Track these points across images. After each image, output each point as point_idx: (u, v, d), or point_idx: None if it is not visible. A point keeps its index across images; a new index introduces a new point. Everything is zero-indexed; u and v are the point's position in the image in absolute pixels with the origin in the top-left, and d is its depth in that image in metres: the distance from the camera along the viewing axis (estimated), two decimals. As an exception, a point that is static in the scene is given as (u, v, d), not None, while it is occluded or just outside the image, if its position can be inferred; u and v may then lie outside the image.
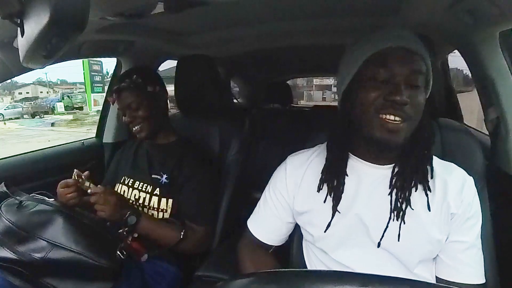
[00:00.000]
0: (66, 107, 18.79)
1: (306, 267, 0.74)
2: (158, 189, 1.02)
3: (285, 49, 1.66)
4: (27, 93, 37.60)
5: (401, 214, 0.61)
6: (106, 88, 3.14)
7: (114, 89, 1.04)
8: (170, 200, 1.02)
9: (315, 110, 2.38)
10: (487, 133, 0.98)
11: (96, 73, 14.76)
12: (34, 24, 0.42)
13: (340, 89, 0.66)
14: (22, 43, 0.49)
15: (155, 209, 1.02)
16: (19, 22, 0.47)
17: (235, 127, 1.27)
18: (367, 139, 0.62)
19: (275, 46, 1.58)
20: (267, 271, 0.48)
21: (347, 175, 0.66)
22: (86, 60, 11.60)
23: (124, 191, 1.06)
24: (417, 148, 0.62)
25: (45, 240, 0.77)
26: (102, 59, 13.89)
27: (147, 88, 1.03)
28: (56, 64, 0.97)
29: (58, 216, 0.81)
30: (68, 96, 20.69)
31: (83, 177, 0.88)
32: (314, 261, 0.72)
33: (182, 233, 0.95)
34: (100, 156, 1.52)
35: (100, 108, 1.96)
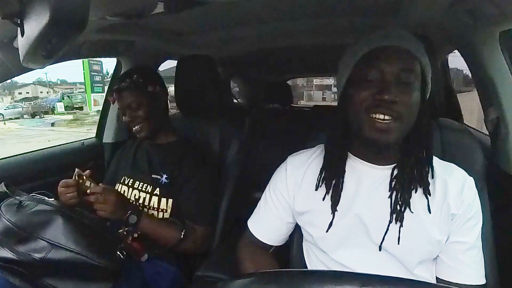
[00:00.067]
0: (66, 107, 18.80)
1: (306, 267, 0.74)
2: (158, 189, 1.02)
3: (285, 49, 1.66)
4: (27, 93, 37.62)
5: (400, 217, 0.60)
6: (106, 88, 3.14)
7: (114, 88, 1.04)
8: (170, 200, 1.02)
9: (315, 110, 2.39)
10: (487, 133, 0.98)
11: (96, 73, 14.76)
12: (34, 24, 0.42)
13: (338, 89, 0.67)
14: (22, 43, 0.49)
15: (155, 209, 1.02)
16: (19, 22, 0.47)
17: (235, 127, 1.27)
18: (362, 139, 0.62)
19: (275, 46, 1.58)
20: (267, 271, 0.48)
21: (346, 175, 0.66)
22: (86, 60, 11.60)
23: (124, 191, 1.06)
24: (417, 148, 0.62)
25: (45, 240, 0.77)
26: (102, 59, 13.92)
27: (147, 88, 1.04)
28: (56, 64, 0.97)
29: (58, 216, 0.81)
30: (68, 96, 20.69)
31: (84, 177, 0.88)
32: (314, 261, 0.72)
33: (182, 233, 0.95)
34: (100, 156, 1.52)
35: (100, 108, 1.96)
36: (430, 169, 0.63)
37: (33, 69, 0.77)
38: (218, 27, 1.30)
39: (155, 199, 1.02)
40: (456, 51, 1.12)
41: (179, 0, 0.84)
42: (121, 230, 0.92)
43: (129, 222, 0.91)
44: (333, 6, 1.07)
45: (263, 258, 0.75)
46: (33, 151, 1.34)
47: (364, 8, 1.06)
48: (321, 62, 2.28)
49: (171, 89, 1.32)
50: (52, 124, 13.28)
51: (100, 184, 0.90)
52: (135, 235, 0.94)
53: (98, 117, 1.64)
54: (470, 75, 1.05)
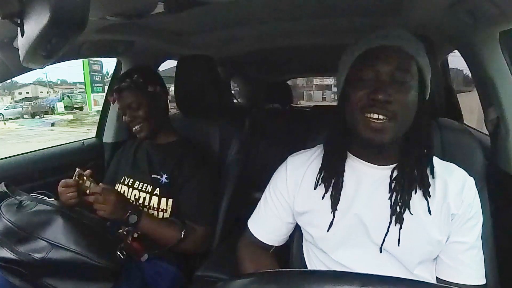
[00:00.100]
0: (66, 107, 18.80)
1: (306, 267, 0.74)
2: (158, 189, 1.02)
3: (285, 49, 1.66)
4: (27, 93, 37.63)
5: (400, 219, 0.60)
6: (106, 88, 3.14)
7: (114, 88, 1.04)
8: (170, 200, 1.02)
9: (315, 110, 2.38)
10: (487, 133, 0.98)
11: (96, 73, 14.76)
12: (34, 24, 0.42)
13: (338, 89, 0.67)
14: (22, 43, 0.49)
15: (155, 209, 1.02)
16: (19, 22, 0.47)
17: (235, 127, 1.27)
18: (358, 139, 0.62)
19: (275, 46, 1.58)
20: (267, 271, 0.48)
21: (346, 174, 0.66)
22: (86, 60, 11.60)
23: (124, 191, 1.06)
24: (417, 148, 0.62)
25: (45, 240, 0.77)
26: (102, 59, 13.92)
27: (147, 88, 1.04)
28: (56, 64, 0.97)
29: (58, 216, 0.81)
30: (68, 96, 20.69)
31: (84, 177, 0.88)
32: (314, 261, 0.72)
33: (182, 233, 0.95)
34: (100, 156, 1.52)
35: (100, 108, 1.96)
36: (430, 169, 0.62)
37: (33, 69, 0.77)
38: (218, 27, 1.30)
39: (155, 199, 1.02)
40: (456, 51, 1.12)
41: (179, 0, 0.84)
42: (121, 230, 0.92)
43: (129, 222, 0.91)
44: (333, 6, 1.07)
45: (263, 258, 0.75)
46: (33, 151, 1.35)
47: (364, 8, 1.06)
48: (321, 62, 2.28)
49: (171, 89, 1.32)
50: (52, 124, 13.28)
51: (100, 184, 0.90)
52: (135, 235, 0.94)
53: (98, 117, 1.65)
54: (470, 75, 1.05)
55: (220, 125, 1.23)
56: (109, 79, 2.64)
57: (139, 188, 1.05)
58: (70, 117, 16.00)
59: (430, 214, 0.61)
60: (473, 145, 0.77)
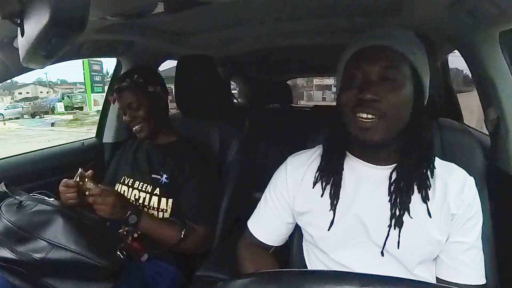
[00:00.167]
0: (66, 107, 18.80)
1: (306, 267, 0.74)
2: (158, 189, 1.02)
3: (285, 49, 1.66)
4: (27, 93, 37.64)
5: (399, 222, 0.60)
6: (106, 88, 3.14)
7: (115, 88, 1.04)
8: (170, 200, 1.02)
9: (315, 110, 2.39)
10: (487, 133, 0.98)
11: (96, 73, 14.77)
12: (34, 24, 0.42)
13: (336, 90, 0.68)
14: (22, 43, 0.49)
15: (155, 209, 1.02)
16: (19, 22, 0.47)
17: (235, 127, 1.27)
18: (351, 139, 0.63)
19: (275, 46, 1.58)
20: (267, 271, 0.48)
21: (345, 174, 0.66)
22: (86, 60, 11.60)
23: (124, 191, 1.06)
24: (416, 149, 0.62)
25: (45, 240, 0.77)
26: (102, 59, 13.93)
27: (148, 88, 1.04)
28: (56, 64, 0.97)
29: (58, 216, 0.80)
30: (68, 96, 20.70)
31: (86, 179, 0.88)
32: (314, 261, 0.72)
33: (182, 233, 0.95)
34: (100, 156, 1.52)
35: (100, 108, 1.96)
36: (430, 170, 0.62)
37: (33, 69, 0.77)
38: (218, 27, 1.29)
39: (155, 199, 1.02)
40: (456, 51, 1.12)
41: (179, 0, 0.84)
42: (121, 230, 0.92)
43: (129, 222, 0.91)
44: (333, 6, 1.07)
45: (263, 258, 0.75)
46: (33, 151, 1.35)
47: (364, 8, 1.06)
48: (321, 62, 2.28)
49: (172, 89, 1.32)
50: (52, 124, 13.28)
51: (99, 185, 0.90)
52: (135, 235, 0.94)
53: (98, 117, 1.65)
54: (470, 75, 1.05)
55: (220, 125, 1.23)
56: (109, 79, 2.64)
57: (139, 188, 1.05)
58: (70, 117, 16.00)
59: (430, 217, 0.60)
60: (473, 145, 0.77)
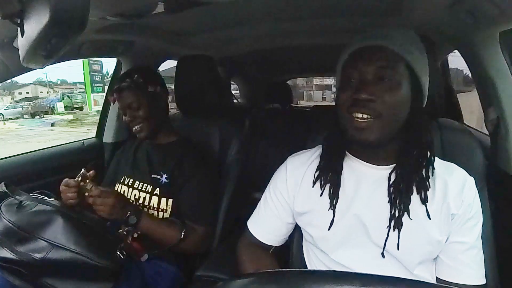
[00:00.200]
0: (66, 107, 18.80)
1: (306, 267, 0.74)
2: (158, 189, 1.02)
3: (285, 49, 1.66)
4: (27, 93, 37.64)
5: (399, 224, 0.60)
6: (106, 88, 3.14)
7: (115, 88, 1.04)
8: (170, 200, 1.02)
9: (315, 110, 2.38)
10: (487, 133, 0.98)
11: (96, 73, 14.77)
12: (34, 24, 0.42)
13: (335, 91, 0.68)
14: (22, 43, 0.49)
15: (155, 209, 1.02)
16: (19, 22, 0.47)
17: (235, 127, 1.27)
18: (348, 139, 0.63)
19: (275, 46, 1.58)
20: (267, 271, 0.48)
21: (345, 174, 0.66)
22: (86, 60, 11.61)
23: (124, 191, 1.06)
24: (416, 149, 0.62)
25: (45, 240, 0.77)
26: (102, 59, 13.94)
27: (148, 88, 1.04)
28: (56, 64, 0.97)
29: (58, 216, 0.80)
30: (68, 96, 20.69)
31: (87, 180, 0.88)
32: (314, 261, 0.72)
33: (182, 233, 0.95)
34: (100, 156, 1.52)
35: (100, 108, 1.96)
36: (431, 171, 0.62)
37: (33, 69, 0.77)
38: (218, 27, 1.29)
39: (155, 199, 1.02)
40: (456, 51, 1.12)
41: (179, 0, 0.84)
42: (121, 230, 0.92)
43: (129, 222, 0.91)
44: (333, 6, 1.06)
45: (263, 258, 0.75)
46: (33, 151, 1.35)
47: (364, 8, 1.06)
48: (321, 62, 2.28)
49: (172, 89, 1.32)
50: (52, 124, 13.28)
51: (98, 187, 0.90)
52: (135, 235, 0.94)
53: (98, 117, 1.65)
54: (470, 75, 1.05)
55: (220, 125, 1.23)
56: (109, 79, 2.64)
57: (139, 188, 1.05)
58: (70, 117, 16.00)
59: (429, 219, 0.60)
60: (473, 145, 0.77)
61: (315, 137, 0.83)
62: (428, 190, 0.61)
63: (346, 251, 0.65)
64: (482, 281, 0.63)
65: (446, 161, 0.68)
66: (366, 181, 0.65)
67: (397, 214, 0.60)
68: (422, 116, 0.62)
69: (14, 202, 0.83)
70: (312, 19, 1.20)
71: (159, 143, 1.10)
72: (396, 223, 0.60)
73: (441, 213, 0.61)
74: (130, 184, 1.07)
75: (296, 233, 0.80)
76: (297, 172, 0.72)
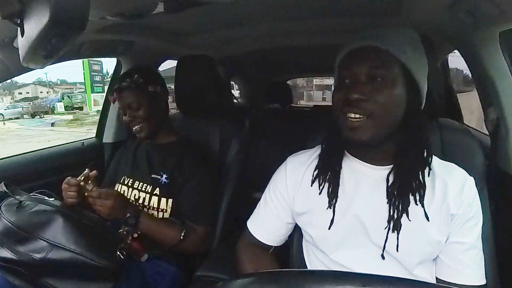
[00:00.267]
0: (66, 107, 18.80)
1: (306, 267, 0.74)
2: (158, 189, 1.02)
3: (285, 49, 1.66)
4: (27, 93, 37.65)
5: (398, 226, 0.60)
6: (106, 88, 3.15)
7: (115, 88, 1.04)
8: (170, 200, 1.02)
9: (315, 110, 2.39)
10: (487, 133, 0.98)
11: (96, 73, 14.77)
12: (34, 24, 0.42)
13: None
14: (22, 43, 0.49)
15: (155, 209, 1.02)
16: (19, 22, 0.47)
17: (235, 127, 1.27)
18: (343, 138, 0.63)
19: (275, 46, 1.58)
20: (267, 271, 0.48)
21: (344, 174, 0.66)
22: (86, 60, 11.61)
23: (124, 191, 1.06)
24: (413, 149, 0.62)
25: (45, 241, 0.77)
26: (102, 59, 13.94)
27: (148, 88, 1.04)
28: (56, 64, 0.97)
29: (58, 216, 0.80)
30: (68, 96, 20.70)
31: (89, 180, 0.88)
32: (314, 261, 0.72)
33: (182, 234, 0.95)
34: (100, 156, 1.52)
35: (100, 108, 1.96)
36: (428, 171, 0.62)
37: (33, 69, 0.77)
38: (218, 27, 1.29)
39: (155, 199, 1.02)
40: (456, 51, 1.12)
41: (179, 0, 0.84)
42: (121, 230, 0.92)
43: (128, 222, 0.91)
44: (333, 6, 1.06)
45: (263, 258, 0.75)
46: (33, 151, 1.35)
47: (364, 8, 1.06)
48: (321, 62, 2.27)
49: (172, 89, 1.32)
50: (52, 124, 13.28)
51: (98, 189, 0.90)
52: (135, 235, 0.94)
53: (98, 117, 1.65)
54: (470, 75, 1.05)
55: (220, 125, 1.24)
56: (109, 79, 2.64)
57: (139, 188, 1.05)
58: (70, 117, 16.00)
59: (428, 220, 0.60)
60: (473, 145, 0.77)
61: (315, 137, 0.83)
62: (426, 191, 0.61)
63: (346, 251, 0.65)
64: (482, 281, 0.62)
65: (446, 161, 0.67)
66: (365, 181, 0.65)
67: (395, 216, 0.60)
68: (419, 116, 0.62)
69: (14, 202, 0.83)
70: (312, 19, 1.20)
71: (159, 143, 1.10)
72: (394, 224, 0.60)
73: (440, 214, 0.61)
74: (130, 184, 1.07)
75: (296, 233, 0.80)
76: (296, 172, 0.72)
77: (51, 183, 1.01)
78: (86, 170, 0.89)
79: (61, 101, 19.57)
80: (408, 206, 0.60)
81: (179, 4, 0.87)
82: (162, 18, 1.05)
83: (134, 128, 1.04)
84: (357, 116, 0.58)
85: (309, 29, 1.30)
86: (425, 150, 0.62)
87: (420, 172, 0.61)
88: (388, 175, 0.63)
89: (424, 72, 0.62)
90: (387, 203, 0.62)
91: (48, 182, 1.23)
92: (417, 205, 0.61)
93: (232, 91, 2.75)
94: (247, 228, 0.78)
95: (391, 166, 0.64)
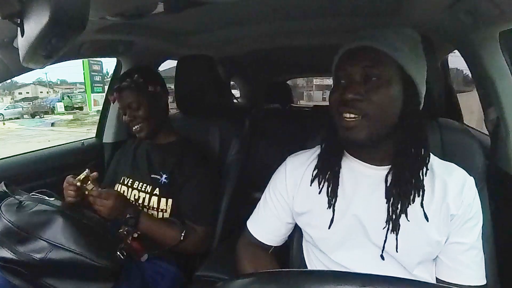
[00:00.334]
0: (66, 107, 18.81)
1: (306, 267, 0.74)
2: (157, 189, 1.02)
3: (285, 49, 1.66)
4: (27, 93, 37.64)
5: (396, 227, 0.60)
6: (106, 88, 3.15)
7: (115, 88, 1.04)
8: (170, 200, 1.02)
9: (315, 110, 2.38)
10: (487, 133, 0.98)
11: (96, 73, 14.77)
12: (34, 24, 0.42)
13: None
14: (22, 43, 0.49)
15: (155, 209, 1.02)
16: (19, 22, 0.48)
17: (235, 127, 1.27)
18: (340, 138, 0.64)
19: (275, 46, 1.58)
20: (267, 271, 0.48)
21: (344, 174, 0.66)
22: (86, 60, 11.60)
23: (123, 191, 1.06)
24: (411, 149, 0.61)
25: (45, 241, 0.77)
26: (102, 59, 13.94)
27: (148, 88, 1.04)
28: (56, 64, 0.97)
29: (58, 216, 0.80)
30: (68, 96, 20.70)
31: (89, 181, 0.88)
32: (314, 262, 0.72)
33: (182, 234, 0.95)
34: (100, 156, 1.52)
35: (100, 108, 1.96)
36: (425, 171, 0.62)
37: (33, 69, 0.77)
38: (218, 27, 1.29)
39: (154, 199, 1.02)
40: (456, 51, 1.12)
41: (179, 0, 0.84)
42: (121, 230, 0.92)
43: (128, 222, 0.91)
44: (333, 6, 1.06)
45: (262, 258, 0.75)
46: (33, 151, 1.35)
47: (364, 8, 1.06)
48: (321, 62, 2.27)
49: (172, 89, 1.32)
50: (52, 124, 13.29)
51: (99, 189, 0.90)
52: (135, 235, 0.94)
53: (98, 117, 1.65)
54: (470, 75, 1.05)
55: (220, 125, 1.24)
56: (109, 79, 2.64)
57: (139, 188, 1.05)
58: (70, 117, 16.00)
59: (428, 221, 0.60)
60: (473, 145, 0.77)
61: (315, 137, 0.83)
62: (424, 192, 0.61)
63: (346, 251, 0.65)
64: (482, 281, 0.62)
65: (446, 161, 0.67)
66: (365, 182, 0.65)
67: (394, 216, 0.60)
68: (417, 116, 0.62)
69: (14, 202, 0.83)
70: (312, 19, 1.20)
71: (159, 143, 1.10)
72: (393, 225, 0.60)
73: (440, 214, 0.61)
74: (129, 184, 1.07)
75: (296, 233, 0.80)
76: (296, 172, 0.72)
77: (51, 183, 1.01)
78: (86, 170, 0.89)
79: (61, 101, 19.57)
80: (407, 207, 0.60)
81: (179, 4, 0.87)
82: (162, 18, 1.05)
83: (134, 128, 1.04)
84: (352, 116, 0.58)
85: (309, 29, 1.30)
86: (424, 150, 0.62)
87: (419, 173, 0.61)
88: (386, 175, 0.63)
89: (422, 72, 0.62)
90: (386, 203, 0.62)
91: (48, 182, 1.23)
92: (417, 205, 0.61)
93: (232, 91, 2.75)
94: (247, 228, 0.78)
95: (388, 166, 0.64)
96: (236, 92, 2.84)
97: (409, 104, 0.60)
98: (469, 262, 0.62)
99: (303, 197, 0.70)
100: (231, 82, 2.77)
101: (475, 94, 1.02)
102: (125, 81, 1.02)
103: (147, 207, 1.02)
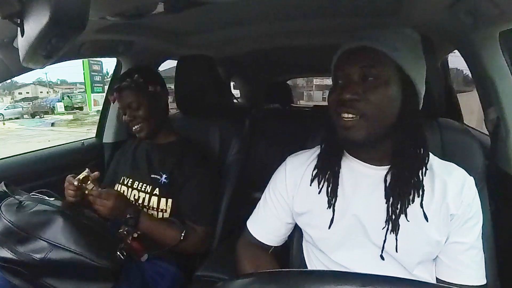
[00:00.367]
0: (66, 107, 18.80)
1: (306, 267, 0.74)
2: (157, 189, 1.02)
3: (285, 49, 1.66)
4: (27, 93, 37.65)
5: (395, 228, 0.60)
6: (106, 88, 3.15)
7: (115, 87, 1.04)
8: (170, 200, 1.02)
9: (315, 110, 2.38)
10: (487, 133, 0.98)
11: (96, 73, 14.77)
12: (34, 24, 0.42)
13: None
14: (22, 43, 0.49)
15: (155, 209, 1.02)
16: (19, 22, 0.48)
17: (235, 127, 1.27)
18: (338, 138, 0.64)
19: (275, 46, 1.58)
20: (267, 271, 0.48)
21: (344, 173, 0.66)
22: (86, 60, 11.60)
23: (123, 191, 1.06)
24: (410, 148, 0.61)
25: (45, 241, 0.77)
26: (102, 59, 13.93)
27: (148, 88, 1.04)
28: (56, 64, 0.97)
29: (58, 216, 0.80)
30: (68, 96, 20.69)
31: (89, 181, 0.88)
32: (314, 262, 0.72)
33: (182, 234, 0.95)
34: (100, 156, 1.52)
35: (100, 108, 1.96)
36: (423, 171, 0.62)
37: (33, 69, 0.77)
38: (218, 27, 1.29)
39: (154, 199, 1.02)
40: (456, 51, 1.12)
41: (179, 0, 0.84)
42: (121, 230, 0.92)
43: (128, 222, 0.91)
44: (333, 6, 1.06)
45: (262, 258, 0.75)
46: (33, 151, 1.35)
47: (364, 8, 1.06)
48: (321, 62, 2.27)
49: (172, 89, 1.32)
50: (52, 124, 13.28)
51: (99, 189, 0.90)
52: (135, 235, 0.94)
53: (98, 117, 1.65)
54: (470, 75, 1.05)
55: (220, 125, 1.24)
56: (109, 79, 2.64)
57: (139, 188, 1.05)
58: (70, 117, 16.00)
59: (427, 221, 0.60)
60: (473, 145, 0.77)
61: (315, 137, 0.83)
62: (424, 192, 0.61)
63: (346, 251, 0.65)
64: (482, 281, 0.62)
65: (446, 161, 0.67)
66: (365, 181, 0.65)
67: (393, 216, 0.60)
68: (416, 116, 0.62)
69: (14, 202, 0.83)
70: (312, 19, 1.20)
71: (159, 143, 1.10)
72: (393, 225, 0.60)
73: (440, 214, 0.61)
74: (129, 184, 1.07)
75: (296, 233, 0.80)
76: (296, 173, 0.72)
77: (51, 183, 1.01)
78: (86, 170, 0.89)
79: (61, 101, 19.55)
80: (407, 207, 0.60)
81: (179, 4, 0.87)
82: (162, 18, 1.05)
83: (134, 128, 1.04)
84: (350, 116, 0.58)
85: (309, 29, 1.30)
86: (423, 150, 0.62)
87: (418, 173, 0.61)
88: (386, 175, 0.63)
89: (421, 72, 0.62)
90: (386, 203, 0.62)
91: (48, 182, 1.23)
92: (417, 205, 0.61)
93: (233, 91, 2.76)
94: (247, 228, 0.78)
95: (387, 166, 0.64)
96: (237, 92, 2.84)
97: (408, 104, 0.60)
98: (469, 262, 0.62)
99: (303, 197, 0.70)
100: (232, 82, 2.77)
101: (475, 94, 1.02)
102: (125, 81, 1.02)
103: (147, 207, 1.02)
